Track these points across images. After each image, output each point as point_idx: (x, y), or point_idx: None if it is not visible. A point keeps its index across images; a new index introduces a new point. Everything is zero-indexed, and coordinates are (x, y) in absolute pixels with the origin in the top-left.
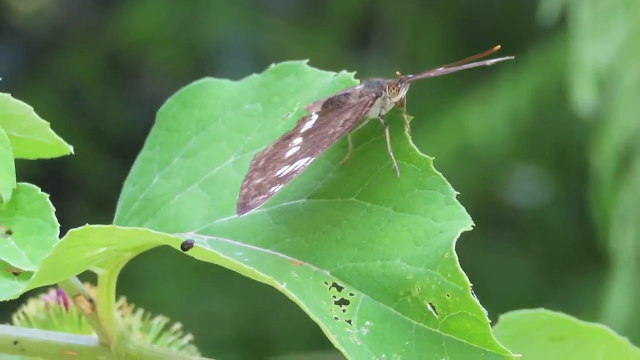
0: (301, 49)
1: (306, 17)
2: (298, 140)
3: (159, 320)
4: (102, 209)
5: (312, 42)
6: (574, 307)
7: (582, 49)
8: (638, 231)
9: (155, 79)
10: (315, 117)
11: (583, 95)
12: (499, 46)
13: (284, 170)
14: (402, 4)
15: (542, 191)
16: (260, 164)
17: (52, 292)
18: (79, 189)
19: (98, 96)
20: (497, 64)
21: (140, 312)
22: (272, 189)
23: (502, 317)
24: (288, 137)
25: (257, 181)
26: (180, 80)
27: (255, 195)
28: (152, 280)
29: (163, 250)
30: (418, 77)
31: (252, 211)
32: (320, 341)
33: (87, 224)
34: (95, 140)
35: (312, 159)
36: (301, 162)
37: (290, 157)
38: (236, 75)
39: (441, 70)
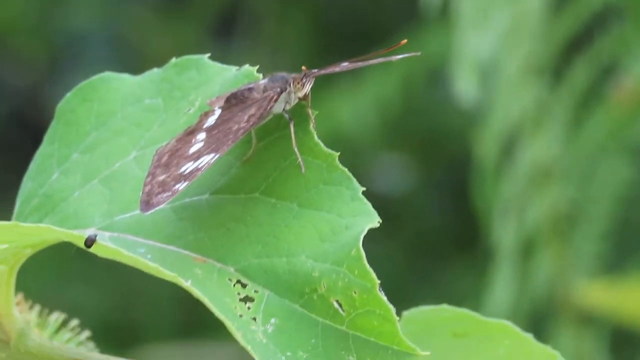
0: (164, 38)
1: (169, 5)
2: (202, 135)
3: (57, 317)
4: None
5: (175, 31)
6: (448, 298)
7: (463, 38)
8: (519, 222)
9: (15, 68)
10: (218, 112)
11: (464, 85)
12: (405, 40)
13: (188, 167)
14: None
15: (410, 179)
16: (164, 160)
17: None
18: None
19: None
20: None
21: (37, 308)
22: (176, 186)
23: (406, 314)
24: (191, 132)
25: (161, 178)
26: (40, 69)
27: (159, 193)
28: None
29: None
30: (323, 72)
31: (158, 207)
32: (182, 331)
33: None
34: None
35: (217, 156)
36: (205, 159)
37: (194, 153)
38: (95, 65)
39: (346, 65)
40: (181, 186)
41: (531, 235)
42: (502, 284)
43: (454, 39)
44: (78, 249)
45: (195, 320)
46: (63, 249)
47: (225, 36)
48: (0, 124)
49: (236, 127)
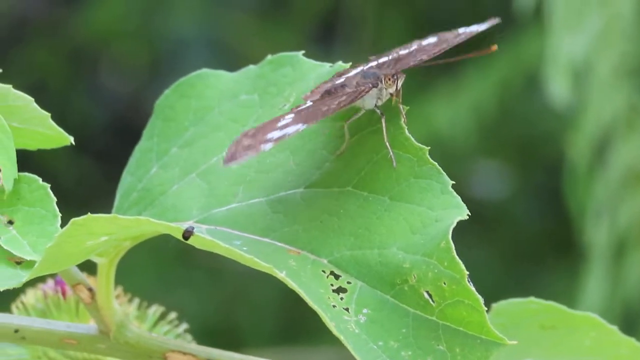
0: (264, 43)
1: (269, 11)
2: (290, 115)
3: (155, 310)
4: (68, 202)
5: (275, 36)
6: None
7: (557, 41)
8: (612, 223)
9: (117, 72)
10: (310, 103)
11: (557, 88)
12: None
13: (275, 134)
14: None
15: (507, 184)
16: (251, 132)
17: (50, 282)
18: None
19: (60, 90)
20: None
21: (136, 301)
22: (262, 146)
23: (495, 306)
24: (281, 116)
25: (246, 143)
26: (141, 74)
27: (244, 152)
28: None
29: None
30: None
31: (240, 162)
32: (283, 336)
33: (89, 213)
34: None
35: (304, 126)
36: (292, 128)
37: (281, 126)
38: (196, 68)
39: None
40: (266, 146)
41: (624, 236)
42: (594, 285)
43: (547, 42)
44: (177, 241)
45: (295, 326)
46: (164, 253)
47: (326, 42)
48: (102, 130)
49: (325, 108)
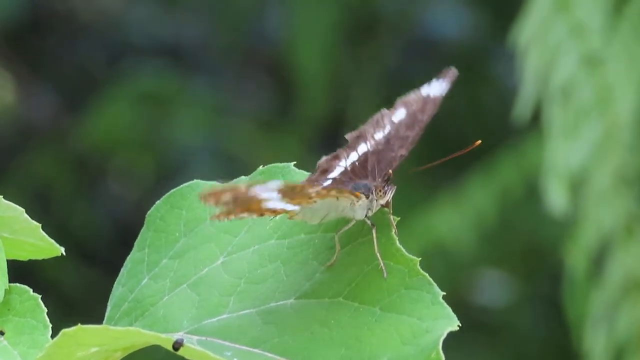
0: (267, 151)
1: (273, 120)
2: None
3: None
4: (72, 311)
5: (278, 144)
6: None
7: (554, 149)
8: (610, 332)
9: (122, 180)
10: None
11: (556, 196)
12: (479, 142)
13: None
14: (369, 106)
15: (511, 291)
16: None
17: None
18: (46, 291)
19: (64, 198)
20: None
21: None
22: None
23: None
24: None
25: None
26: (146, 182)
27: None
28: None
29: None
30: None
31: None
32: None
33: (79, 324)
34: (61, 243)
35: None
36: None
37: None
38: (201, 177)
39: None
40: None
41: (622, 345)
42: None
43: (546, 150)
44: (167, 351)
45: None
46: None
47: (328, 148)
48: (107, 238)
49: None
